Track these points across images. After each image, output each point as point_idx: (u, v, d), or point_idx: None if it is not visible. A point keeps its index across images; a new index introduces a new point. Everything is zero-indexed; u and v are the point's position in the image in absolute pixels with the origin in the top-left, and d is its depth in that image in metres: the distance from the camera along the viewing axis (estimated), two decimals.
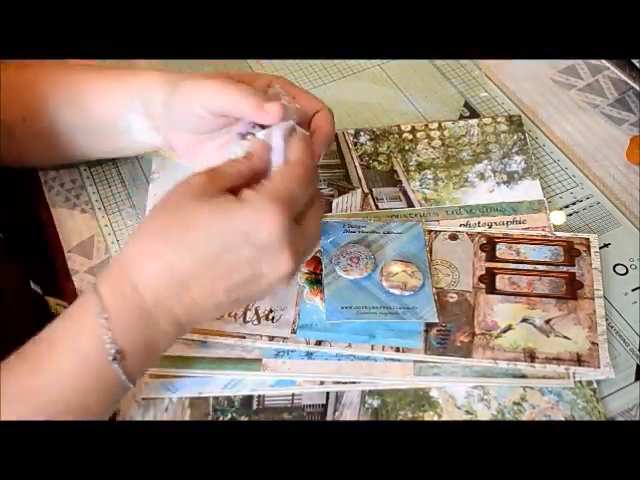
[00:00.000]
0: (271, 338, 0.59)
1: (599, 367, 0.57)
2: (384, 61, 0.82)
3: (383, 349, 0.58)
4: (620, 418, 0.56)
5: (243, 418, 0.56)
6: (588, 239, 0.64)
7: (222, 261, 0.47)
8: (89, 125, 0.64)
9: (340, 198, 0.69)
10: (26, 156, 0.67)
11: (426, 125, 0.75)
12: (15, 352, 0.47)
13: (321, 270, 0.62)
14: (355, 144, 0.74)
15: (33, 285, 0.62)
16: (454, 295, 0.61)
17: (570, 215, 0.68)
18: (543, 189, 0.69)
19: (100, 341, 0.46)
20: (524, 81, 0.80)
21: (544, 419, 0.55)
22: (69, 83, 0.64)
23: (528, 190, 0.69)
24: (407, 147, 0.73)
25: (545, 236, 0.65)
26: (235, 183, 0.50)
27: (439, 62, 0.82)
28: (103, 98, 0.63)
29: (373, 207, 0.68)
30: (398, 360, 0.58)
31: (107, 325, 0.46)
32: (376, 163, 0.72)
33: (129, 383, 0.48)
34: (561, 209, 0.68)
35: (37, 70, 0.64)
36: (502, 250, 0.64)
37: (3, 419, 0.45)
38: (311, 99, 0.60)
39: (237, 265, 0.48)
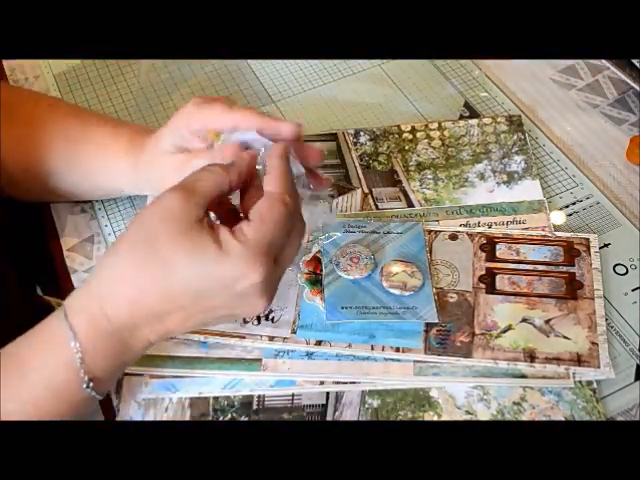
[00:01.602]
0: (271, 338, 0.59)
1: (599, 367, 0.57)
2: (384, 61, 0.82)
3: (383, 349, 0.58)
4: (620, 418, 0.56)
5: (243, 418, 0.56)
6: (588, 239, 0.64)
7: (198, 304, 0.48)
8: (88, 185, 0.65)
9: (340, 198, 0.69)
10: (30, 198, 0.68)
11: (426, 125, 0.75)
12: None
13: (321, 270, 0.62)
14: (355, 144, 0.74)
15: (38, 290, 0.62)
16: (454, 295, 0.61)
17: (570, 215, 0.68)
18: (543, 189, 0.69)
19: (74, 371, 0.47)
20: (524, 81, 0.80)
21: (544, 419, 0.55)
22: (67, 142, 0.64)
23: (528, 190, 0.69)
24: (407, 147, 0.73)
25: (545, 236, 0.65)
26: (211, 197, 0.49)
27: (439, 62, 0.82)
28: (92, 176, 0.64)
29: (373, 207, 0.68)
30: (398, 360, 0.58)
31: (80, 356, 0.47)
32: (376, 163, 0.72)
33: (99, 397, 0.50)
34: (561, 209, 0.68)
35: (35, 125, 0.64)
36: (502, 250, 0.64)
37: None
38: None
39: (213, 307, 0.48)
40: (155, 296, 0.47)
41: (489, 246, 0.64)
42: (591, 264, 0.63)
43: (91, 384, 0.48)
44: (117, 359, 0.49)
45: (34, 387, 0.48)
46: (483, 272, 0.63)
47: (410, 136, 0.74)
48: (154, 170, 0.61)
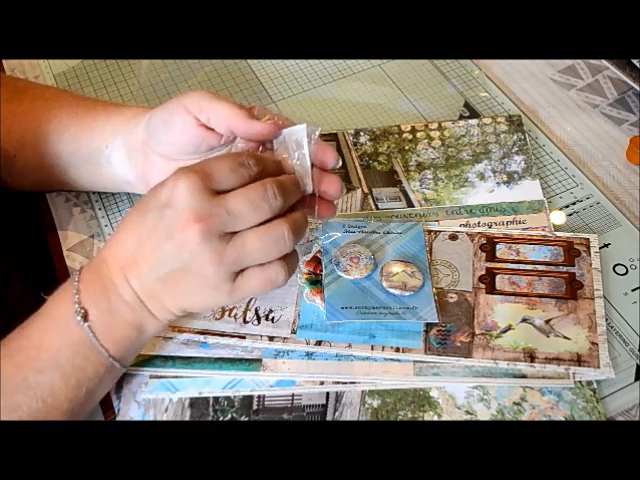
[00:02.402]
0: (271, 338, 0.59)
1: (599, 367, 0.57)
2: (384, 61, 0.82)
3: (383, 349, 0.58)
4: (620, 418, 0.56)
5: (243, 418, 0.56)
6: (588, 239, 0.65)
7: (151, 232, 0.50)
8: (77, 155, 0.64)
9: (340, 198, 0.69)
10: (25, 185, 0.68)
11: (426, 125, 0.75)
12: None
13: (321, 270, 0.62)
14: (355, 144, 0.74)
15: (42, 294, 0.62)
16: (454, 295, 0.61)
17: (570, 215, 0.68)
18: (543, 189, 0.69)
19: (70, 301, 0.51)
20: (524, 81, 0.80)
21: (544, 419, 0.55)
22: (59, 116, 0.64)
23: (528, 190, 0.69)
24: (407, 147, 0.73)
25: (545, 236, 0.65)
26: None
27: (439, 62, 0.82)
28: (91, 128, 0.64)
29: (373, 207, 0.68)
30: (398, 360, 0.58)
31: (77, 287, 0.52)
32: (376, 163, 0.72)
33: (97, 342, 0.51)
34: (561, 209, 0.68)
35: (28, 103, 0.65)
36: (502, 250, 0.64)
37: None
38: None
39: (159, 233, 0.50)
40: (126, 233, 0.52)
41: (489, 246, 0.64)
42: (591, 264, 0.63)
43: (82, 313, 0.51)
44: (107, 297, 0.51)
45: (40, 318, 0.52)
46: (483, 272, 0.63)
47: (410, 136, 0.74)
48: (165, 114, 0.59)
